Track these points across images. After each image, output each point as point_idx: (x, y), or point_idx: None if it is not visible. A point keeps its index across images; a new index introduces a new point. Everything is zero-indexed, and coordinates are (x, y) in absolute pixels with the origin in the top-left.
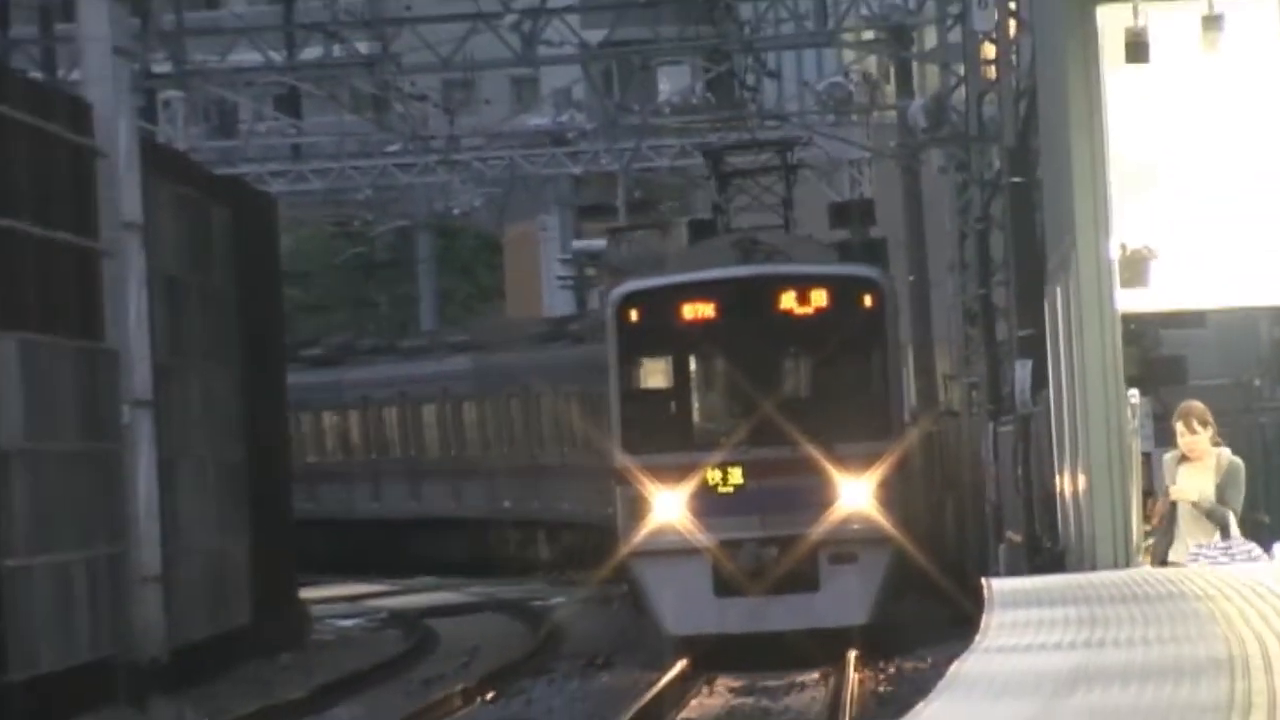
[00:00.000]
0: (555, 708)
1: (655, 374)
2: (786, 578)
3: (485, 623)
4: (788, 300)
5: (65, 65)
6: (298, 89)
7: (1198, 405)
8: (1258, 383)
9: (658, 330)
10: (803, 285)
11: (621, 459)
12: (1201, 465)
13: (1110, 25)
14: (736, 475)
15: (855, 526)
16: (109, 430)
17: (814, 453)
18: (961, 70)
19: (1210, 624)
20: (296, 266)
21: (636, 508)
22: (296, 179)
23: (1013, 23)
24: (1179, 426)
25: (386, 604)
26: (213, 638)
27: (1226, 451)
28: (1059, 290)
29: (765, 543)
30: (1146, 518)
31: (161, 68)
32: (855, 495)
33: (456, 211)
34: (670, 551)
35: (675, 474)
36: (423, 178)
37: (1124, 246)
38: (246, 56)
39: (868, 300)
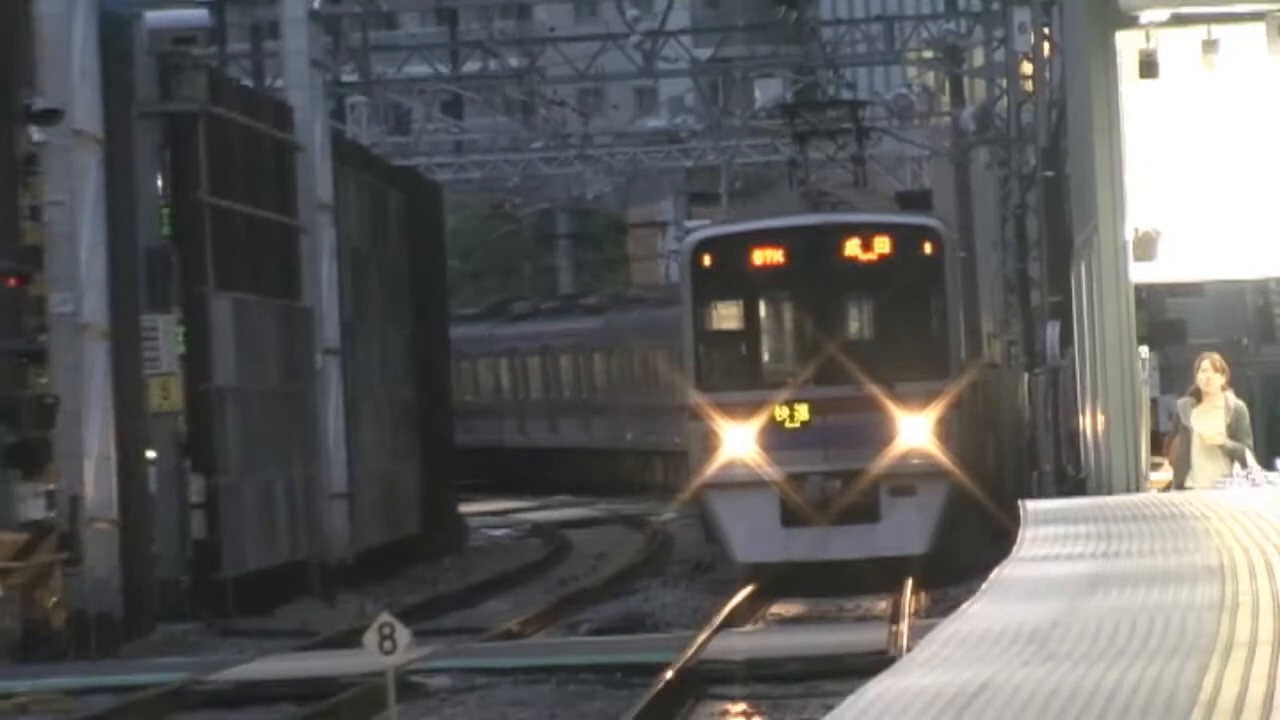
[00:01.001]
0: (667, 603)
1: (726, 316)
2: (849, 509)
3: (610, 533)
4: (852, 247)
5: (271, 75)
6: (460, 95)
7: (1218, 355)
8: (1245, 341)
9: (729, 275)
10: (866, 232)
11: (695, 396)
12: (1212, 407)
13: (1126, 47)
14: (803, 412)
15: (914, 461)
16: (305, 374)
17: (876, 391)
18: (1004, 84)
19: (1205, 538)
20: (458, 242)
21: (708, 442)
22: (458, 170)
23: (1046, 45)
24: (1205, 364)
25: (530, 518)
26: (387, 544)
27: (1233, 395)
28: (1083, 264)
29: (829, 476)
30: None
31: (349, 77)
32: (914, 432)
33: (589, 197)
34: (740, 484)
35: (745, 410)
36: (562, 169)
37: (1136, 229)
38: (418, 69)
39: (928, 247)
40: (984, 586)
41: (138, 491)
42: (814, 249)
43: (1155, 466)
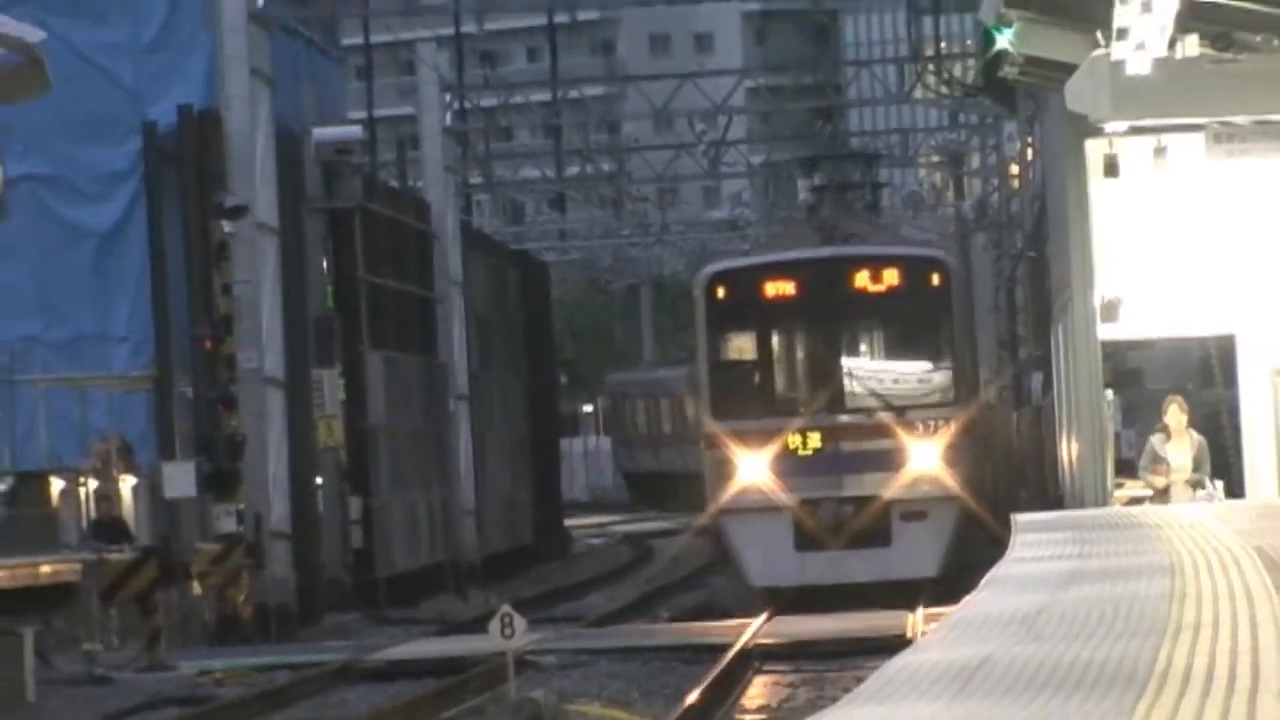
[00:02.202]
0: (730, 594)
1: (740, 347)
2: (861, 533)
3: (683, 542)
4: (862, 278)
5: (413, 177)
6: (563, 193)
7: (1181, 399)
8: (1189, 386)
9: (742, 307)
10: (876, 264)
11: (710, 425)
12: (1181, 442)
13: (1093, 152)
14: (815, 439)
15: (924, 486)
16: (440, 415)
17: (886, 419)
18: (996, 182)
19: (1158, 543)
20: (561, 309)
21: (724, 469)
22: (562, 252)
23: (1030, 151)
24: (1172, 407)
25: (621, 529)
26: (508, 550)
27: (1195, 432)
28: (1060, 325)
29: (842, 501)
30: (1150, 484)
31: (475, 179)
32: (924, 458)
33: (667, 273)
34: (755, 509)
35: (759, 438)
36: (644, 251)
37: (1103, 297)
38: (530, 172)
39: (935, 279)
40: (983, 582)
41: (308, 509)
42: (825, 281)
43: (1118, 485)
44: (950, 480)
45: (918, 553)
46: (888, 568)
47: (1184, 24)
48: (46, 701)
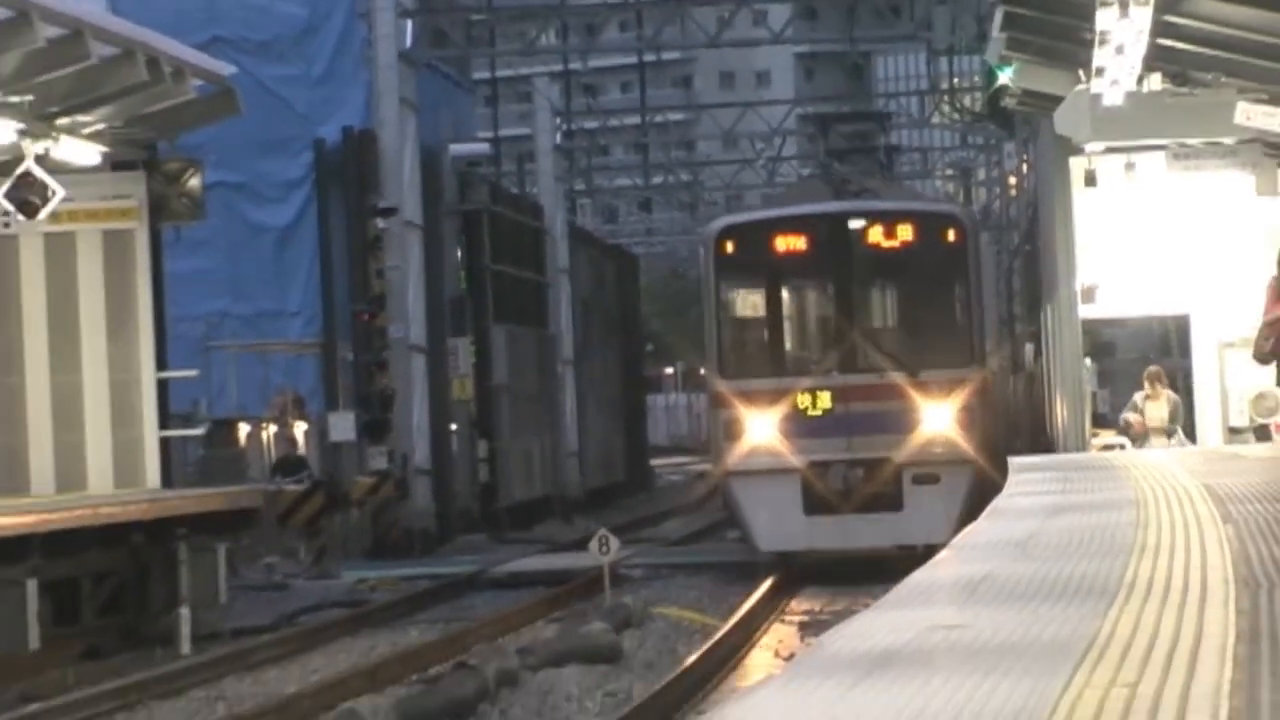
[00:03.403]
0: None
1: (749, 304)
2: (872, 497)
3: None
4: (875, 234)
5: (529, 185)
6: (650, 198)
7: (1158, 368)
8: (1151, 356)
9: (751, 262)
10: (889, 220)
11: (718, 384)
12: (1159, 401)
13: (1076, 168)
14: (826, 400)
15: (937, 449)
16: (551, 377)
17: (898, 379)
18: (998, 191)
19: (1125, 480)
20: (648, 294)
21: (732, 430)
22: (649, 246)
23: (1025, 166)
24: (1151, 371)
25: (695, 468)
26: (604, 485)
27: (1171, 392)
28: (1049, 306)
29: (852, 464)
30: (1129, 431)
31: (579, 187)
32: (938, 420)
33: None
34: (763, 472)
35: (768, 398)
36: None
37: (1083, 284)
38: (623, 181)
39: (951, 235)
40: (985, 512)
41: (444, 451)
42: (837, 236)
43: (1094, 435)
44: (964, 443)
45: (930, 517)
46: (899, 533)
47: (1149, 64)
48: (235, 603)
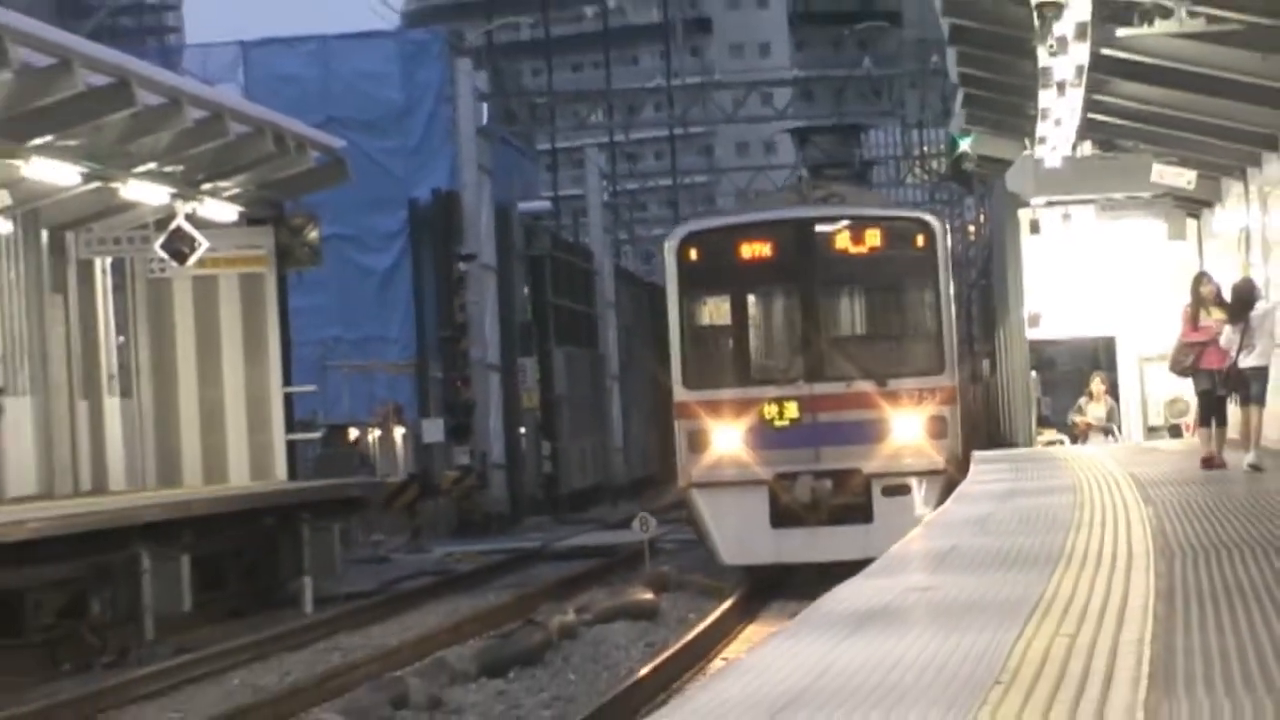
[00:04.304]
0: None
1: (713, 311)
2: (841, 509)
3: None
4: (841, 240)
5: (582, 235)
6: None
7: (1102, 374)
8: (1085, 369)
9: (715, 269)
10: (856, 225)
11: (680, 394)
12: (1099, 403)
13: (1023, 217)
14: (792, 409)
15: (908, 459)
16: (600, 389)
17: (867, 388)
18: (960, 237)
19: (1065, 469)
20: None
21: (695, 440)
22: None
23: (982, 216)
24: (1096, 380)
25: None
26: (643, 475)
27: (1109, 397)
28: (1002, 329)
29: (820, 475)
30: (1074, 428)
31: (622, 236)
32: (908, 429)
33: None
34: (728, 484)
35: (733, 408)
36: None
37: (1030, 311)
38: (658, 231)
39: (920, 240)
40: (952, 496)
41: (515, 449)
42: (802, 242)
43: (1039, 434)
44: (935, 452)
45: (901, 529)
46: (869, 545)
47: (1081, 135)
48: (347, 572)
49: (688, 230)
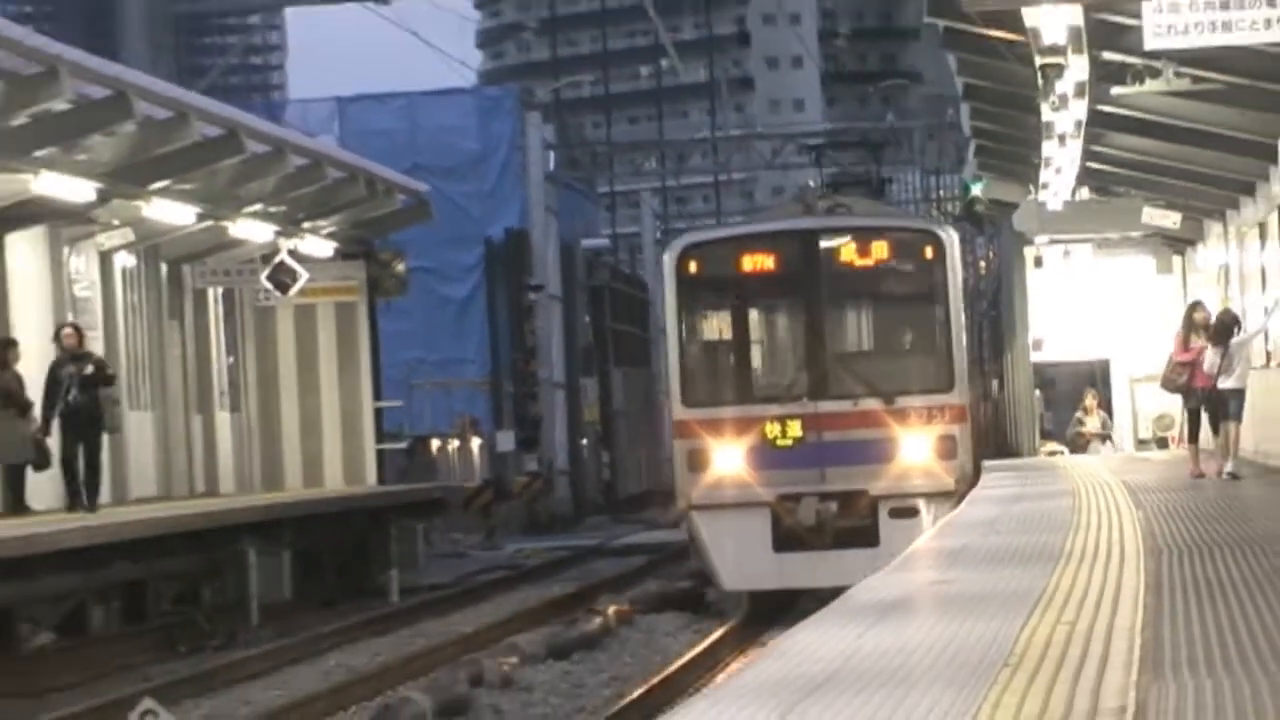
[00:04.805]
0: None
1: (713, 327)
2: (846, 532)
3: None
4: (848, 252)
5: (638, 267)
6: None
7: (1095, 390)
8: (1083, 388)
9: (715, 282)
10: (862, 237)
11: (680, 411)
12: (1093, 416)
13: (1029, 254)
14: (796, 429)
15: (916, 481)
16: (654, 404)
17: (874, 406)
18: (973, 271)
19: (1066, 477)
20: None
21: (694, 460)
22: None
23: (992, 253)
24: (1089, 394)
25: None
26: None
27: (1102, 411)
28: (1009, 353)
29: (825, 497)
30: (1078, 438)
31: None
32: (916, 449)
33: None
34: (729, 505)
35: (734, 427)
36: None
37: (1034, 337)
38: None
39: (928, 252)
40: (965, 501)
41: (578, 458)
42: (806, 254)
43: (1042, 444)
44: (944, 473)
45: None
46: (875, 569)
47: (1080, 181)
48: (429, 566)
49: (687, 242)
